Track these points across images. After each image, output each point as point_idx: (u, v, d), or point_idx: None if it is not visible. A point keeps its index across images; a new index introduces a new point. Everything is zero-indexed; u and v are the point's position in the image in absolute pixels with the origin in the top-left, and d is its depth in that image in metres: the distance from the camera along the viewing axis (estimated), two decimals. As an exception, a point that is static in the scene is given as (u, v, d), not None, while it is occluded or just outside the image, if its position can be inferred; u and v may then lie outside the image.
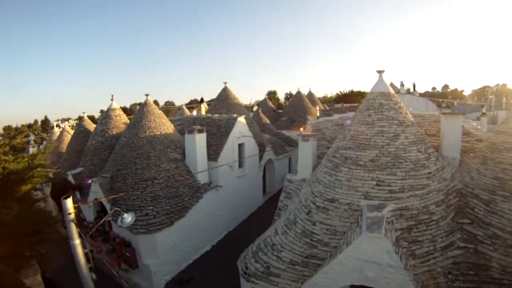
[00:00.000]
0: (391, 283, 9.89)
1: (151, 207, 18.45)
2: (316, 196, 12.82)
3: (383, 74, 14.14)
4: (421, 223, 11.54)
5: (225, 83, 35.21)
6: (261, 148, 28.60)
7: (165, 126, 22.67)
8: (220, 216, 22.89)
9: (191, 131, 21.20)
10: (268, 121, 41.45)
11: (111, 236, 19.42)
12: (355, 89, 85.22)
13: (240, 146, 25.52)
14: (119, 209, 10.87)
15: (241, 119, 25.71)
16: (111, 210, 17.01)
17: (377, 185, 11.89)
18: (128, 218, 10.39)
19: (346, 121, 16.15)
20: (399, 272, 9.73)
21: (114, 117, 26.85)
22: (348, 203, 11.87)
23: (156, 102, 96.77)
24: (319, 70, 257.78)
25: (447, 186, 12.83)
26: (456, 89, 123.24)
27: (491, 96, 69.44)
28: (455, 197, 12.90)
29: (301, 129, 15.36)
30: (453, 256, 11.49)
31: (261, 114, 41.35)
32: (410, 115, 14.00)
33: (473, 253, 11.65)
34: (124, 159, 20.79)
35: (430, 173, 12.52)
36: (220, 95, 35.07)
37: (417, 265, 10.96)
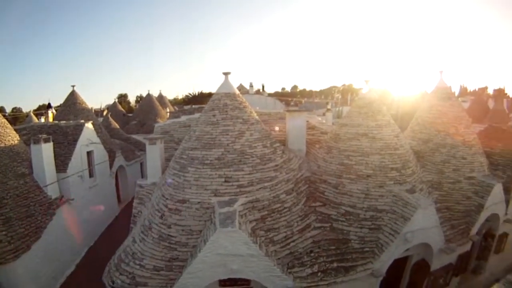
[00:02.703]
0: (257, 271, 10.32)
1: (4, 233, 15.93)
2: (167, 198, 12.62)
3: (229, 76, 14.62)
4: (274, 212, 12.22)
5: (73, 86, 31.81)
6: (111, 155, 27.39)
7: (10, 136, 19.90)
8: (78, 232, 21.17)
9: (37, 141, 19.09)
10: (117, 126, 39.84)
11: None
12: (205, 91, 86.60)
13: (89, 153, 23.94)
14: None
15: (89, 125, 24.11)
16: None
17: (225, 181, 12.21)
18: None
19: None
20: (261, 260, 10.20)
21: (-45, 128, 22.94)
22: (199, 202, 11.94)
23: (1, 109, 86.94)
24: (170, 72, 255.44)
25: (295, 176, 13.96)
26: (304, 89, 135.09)
27: (337, 95, 76.22)
28: (305, 184, 14.20)
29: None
30: (311, 236, 12.55)
31: (110, 119, 39.50)
32: (255, 114, 14.74)
33: (330, 230, 12.98)
34: (-32, 178, 17.79)
35: (277, 165, 13.40)
36: (67, 99, 31.70)
37: (278, 250, 11.58)
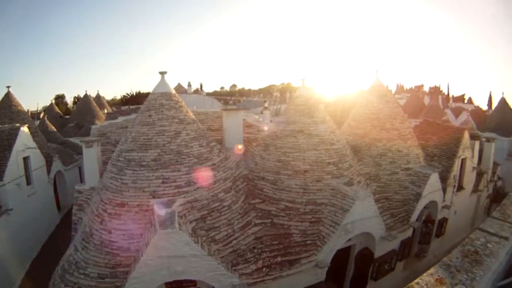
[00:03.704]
0: (202, 271, 10.22)
1: None
2: (106, 203, 12.25)
3: (165, 75, 14.41)
4: (213, 210, 12.19)
5: (8, 87, 29.90)
6: (48, 160, 26.08)
7: None
8: (19, 244, 20.03)
9: (-30, 148, 18.02)
10: (54, 129, 37.92)
11: None
12: (144, 91, 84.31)
13: (26, 159, 22.61)
14: None
15: (25, 129, 22.79)
16: None
17: (163, 183, 12.02)
18: None
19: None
20: (204, 259, 10.10)
21: None
22: (138, 205, 11.69)
23: None
24: (109, 72, 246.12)
25: (233, 174, 14.04)
26: (243, 88, 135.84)
27: (276, 93, 77.37)
28: (243, 182, 14.35)
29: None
30: (253, 233, 12.63)
31: (47, 122, 37.57)
32: (191, 113, 14.61)
33: (271, 226, 13.14)
34: None
35: (214, 164, 13.39)
36: (2, 102, 29.78)
37: (221, 248, 11.53)
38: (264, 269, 11.56)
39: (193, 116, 14.48)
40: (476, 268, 4.25)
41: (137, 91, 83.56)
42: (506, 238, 5.14)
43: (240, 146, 14.92)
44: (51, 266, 14.11)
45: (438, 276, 4.02)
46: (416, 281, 3.90)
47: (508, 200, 7.10)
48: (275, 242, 12.53)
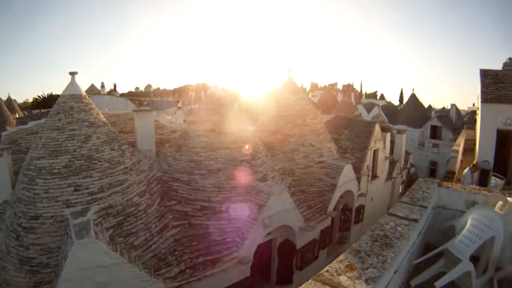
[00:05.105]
0: (125, 280, 9.93)
1: None
2: (20, 217, 11.62)
3: (76, 76, 13.76)
4: (129, 216, 11.94)
5: None
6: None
7: None
8: None
9: None
10: (-36, 138, 34.65)
11: None
12: (56, 93, 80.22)
13: None
14: None
15: None
16: None
17: (75, 190, 11.58)
18: None
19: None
20: (125, 267, 9.84)
21: None
22: (52, 216, 11.21)
23: None
24: (20, 71, 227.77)
25: (146, 177, 13.80)
26: (158, 88, 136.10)
27: (191, 93, 77.18)
28: (157, 184, 14.20)
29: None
30: (171, 235, 12.59)
31: (-44, 130, 34.54)
32: (102, 115, 14.15)
33: (189, 227, 13.18)
34: None
35: (126, 168, 13.05)
36: None
37: (141, 254, 11.37)
38: (187, 270, 11.58)
39: (104, 119, 14.03)
40: (387, 251, 4.44)
41: (49, 93, 78.59)
42: (415, 220, 5.58)
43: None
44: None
45: (348, 262, 4.14)
46: (325, 268, 4.02)
47: (417, 185, 7.78)
48: (195, 243, 12.59)
